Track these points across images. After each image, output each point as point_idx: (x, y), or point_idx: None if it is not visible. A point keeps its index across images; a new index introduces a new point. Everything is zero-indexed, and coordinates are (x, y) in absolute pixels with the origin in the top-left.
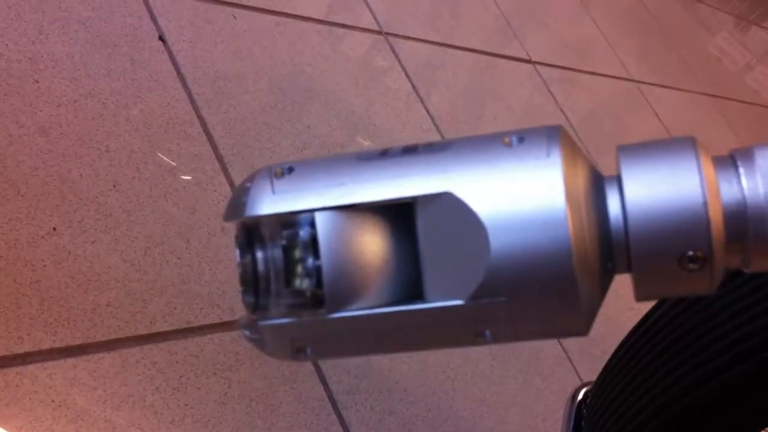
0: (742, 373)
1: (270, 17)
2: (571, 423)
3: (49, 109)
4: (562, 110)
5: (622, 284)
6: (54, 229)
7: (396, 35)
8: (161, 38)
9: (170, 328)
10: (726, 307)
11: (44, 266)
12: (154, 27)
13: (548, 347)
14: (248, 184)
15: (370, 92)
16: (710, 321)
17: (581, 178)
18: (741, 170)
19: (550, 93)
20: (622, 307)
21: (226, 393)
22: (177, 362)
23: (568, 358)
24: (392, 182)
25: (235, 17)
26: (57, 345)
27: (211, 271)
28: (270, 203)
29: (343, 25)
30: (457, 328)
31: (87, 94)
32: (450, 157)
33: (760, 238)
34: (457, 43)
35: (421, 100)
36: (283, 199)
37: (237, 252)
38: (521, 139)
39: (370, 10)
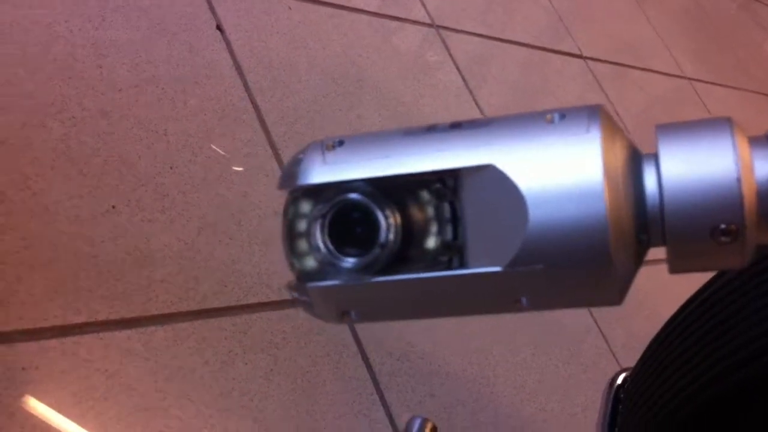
0: None
1: (324, 9)
2: (609, 407)
3: (111, 93)
4: (613, 106)
5: (670, 280)
6: (113, 207)
7: (447, 28)
8: (219, 27)
9: (220, 305)
10: (761, 294)
11: (102, 242)
12: (212, 16)
13: (590, 339)
14: (301, 156)
15: (420, 84)
16: (746, 308)
17: (620, 154)
18: None
19: (602, 89)
20: (669, 303)
21: (272, 369)
22: (226, 338)
23: (611, 350)
24: (438, 154)
25: (290, 8)
26: (113, 317)
27: (261, 252)
28: (321, 173)
29: (395, 18)
30: (495, 293)
31: (147, 80)
32: (494, 132)
33: None
34: (508, 38)
35: (471, 93)
36: (333, 169)
37: (285, 219)
38: (563, 116)
39: (423, 4)
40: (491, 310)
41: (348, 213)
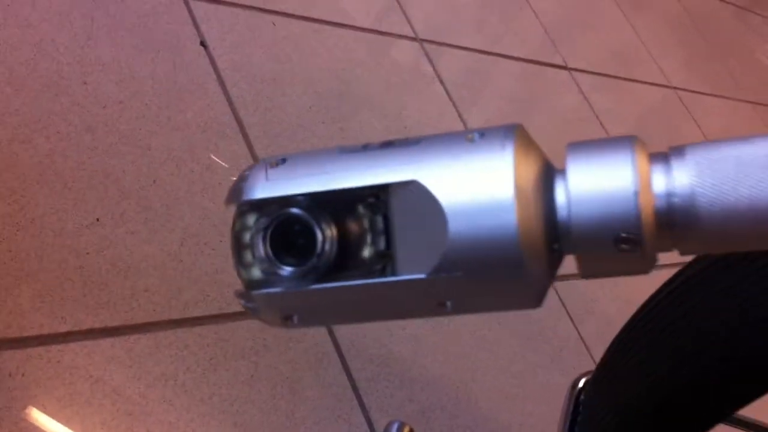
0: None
1: (307, 24)
2: (570, 410)
3: (96, 109)
4: (598, 117)
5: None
6: (97, 219)
7: (432, 41)
8: (203, 43)
9: (202, 314)
10: (715, 292)
11: (87, 253)
12: (196, 33)
13: (571, 345)
14: (247, 173)
15: (402, 97)
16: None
17: (533, 170)
18: (673, 165)
19: (586, 100)
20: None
21: (252, 375)
22: (208, 345)
23: (590, 355)
24: (369, 171)
25: (274, 24)
26: (97, 326)
27: None
28: (263, 189)
29: (380, 32)
30: (421, 298)
31: (131, 96)
32: (420, 151)
33: (687, 226)
34: (495, 51)
35: (454, 105)
36: (275, 185)
37: (233, 232)
38: (482, 135)
39: (407, 19)
40: (420, 314)
41: (290, 226)
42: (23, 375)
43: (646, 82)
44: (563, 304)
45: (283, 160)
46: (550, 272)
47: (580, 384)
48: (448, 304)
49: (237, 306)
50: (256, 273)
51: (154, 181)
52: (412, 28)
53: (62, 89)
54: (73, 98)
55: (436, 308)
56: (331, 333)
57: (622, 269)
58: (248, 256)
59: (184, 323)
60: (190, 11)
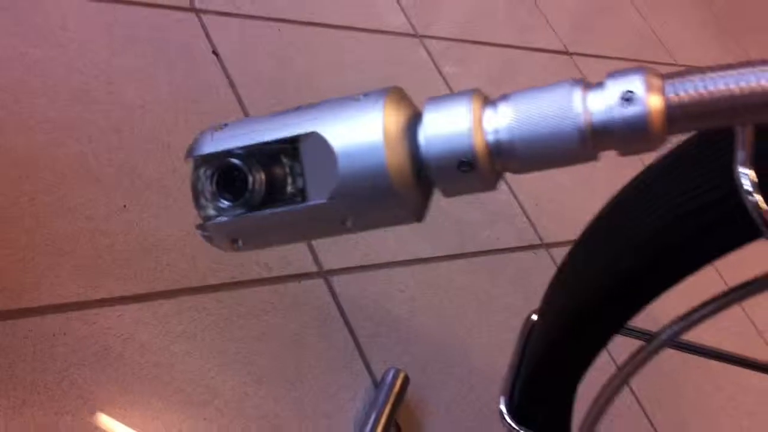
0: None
1: (310, 28)
2: (522, 344)
3: (120, 113)
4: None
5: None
6: (124, 206)
7: (432, 37)
8: (215, 52)
9: (217, 282)
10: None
11: (116, 234)
12: (208, 43)
13: None
14: (197, 136)
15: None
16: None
17: (401, 120)
18: (499, 109)
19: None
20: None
21: (263, 332)
22: (223, 308)
23: None
24: (283, 128)
25: (279, 30)
26: (126, 293)
27: None
28: (208, 146)
29: (380, 31)
30: (326, 218)
31: (151, 101)
32: (320, 110)
33: (509, 153)
34: (485, 40)
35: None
36: (217, 143)
37: (191, 182)
38: (366, 96)
39: (405, 15)
40: (330, 232)
41: (230, 172)
42: (65, 334)
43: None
44: (555, 264)
45: (225, 125)
46: (424, 195)
47: (534, 317)
48: (348, 222)
49: (248, 275)
50: (210, 211)
51: (173, 172)
52: (410, 23)
53: (91, 98)
54: (100, 105)
55: (340, 226)
56: (334, 295)
57: (470, 187)
58: (202, 199)
59: (202, 290)
60: (202, 23)
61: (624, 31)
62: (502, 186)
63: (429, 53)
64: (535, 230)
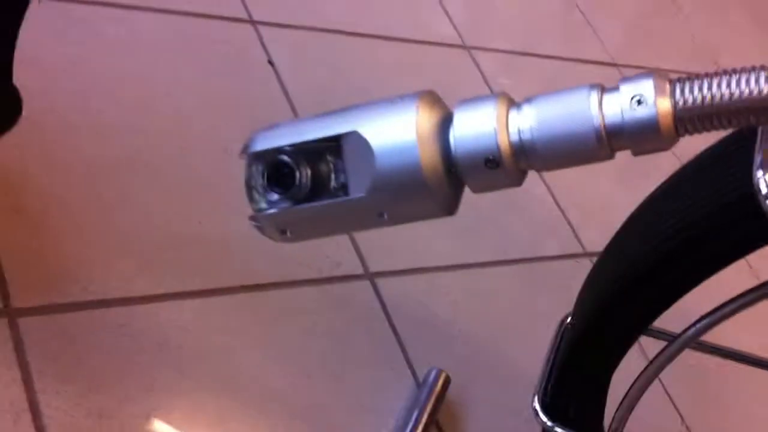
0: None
1: (362, 39)
2: (557, 343)
3: (183, 121)
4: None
5: None
6: (184, 207)
7: (476, 48)
8: (270, 62)
9: (271, 281)
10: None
11: (178, 235)
12: (264, 53)
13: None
14: (251, 136)
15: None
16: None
17: (435, 121)
18: (524, 111)
19: None
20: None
21: (310, 329)
22: (273, 304)
23: None
24: (328, 127)
25: (332, 41)
26: (186, 289)
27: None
28: (259, 144)
29: (429, 42)
30: (365, 211)
31: (211, 109)
32: (362, 110)
33: (532, 151)
34: (536, 52)
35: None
36: (267, 141)
37: (245, 178)
38: (401, 98)
39: (454, 26)
40: (368, 224)
41: (280, 168)
42: (129, 325)
43: None
44: None
45: (276, 125)
46: (453, 189)
47: (569, 319)
48: (385, 215)
49: (300, 275)
50: (261, 204)
51: (230, 175)
52: (458, 33)
53: (155, 109)
54: (164, 114)
55: (378, 219)
56: (379, 297)
57: (497, 183)
58: (254, 192)
59: (254, 288)
60: (259, 35)
61: (673, 42)
62: (545, 194)
63: (477, 64)
64: (578, 239)
